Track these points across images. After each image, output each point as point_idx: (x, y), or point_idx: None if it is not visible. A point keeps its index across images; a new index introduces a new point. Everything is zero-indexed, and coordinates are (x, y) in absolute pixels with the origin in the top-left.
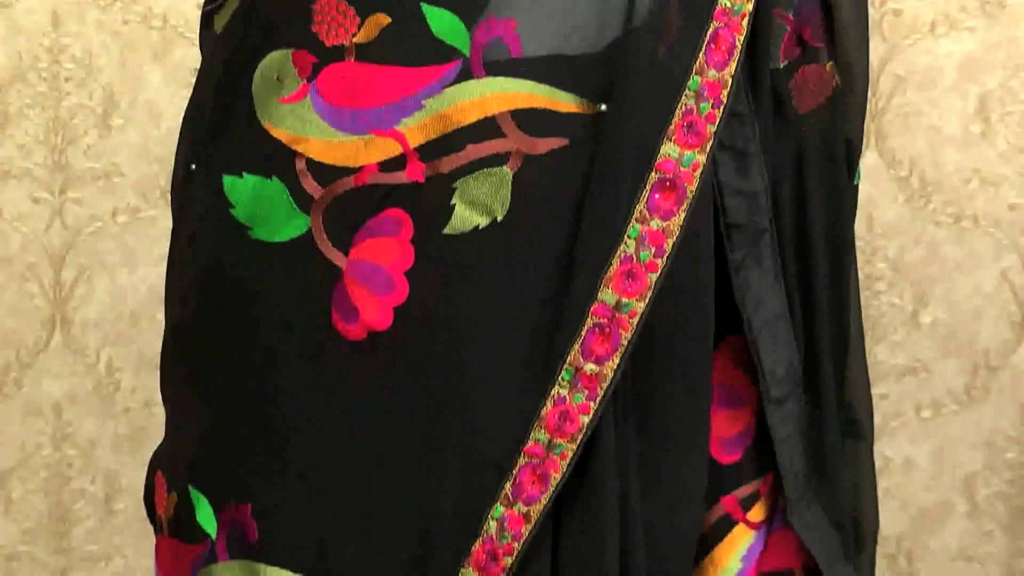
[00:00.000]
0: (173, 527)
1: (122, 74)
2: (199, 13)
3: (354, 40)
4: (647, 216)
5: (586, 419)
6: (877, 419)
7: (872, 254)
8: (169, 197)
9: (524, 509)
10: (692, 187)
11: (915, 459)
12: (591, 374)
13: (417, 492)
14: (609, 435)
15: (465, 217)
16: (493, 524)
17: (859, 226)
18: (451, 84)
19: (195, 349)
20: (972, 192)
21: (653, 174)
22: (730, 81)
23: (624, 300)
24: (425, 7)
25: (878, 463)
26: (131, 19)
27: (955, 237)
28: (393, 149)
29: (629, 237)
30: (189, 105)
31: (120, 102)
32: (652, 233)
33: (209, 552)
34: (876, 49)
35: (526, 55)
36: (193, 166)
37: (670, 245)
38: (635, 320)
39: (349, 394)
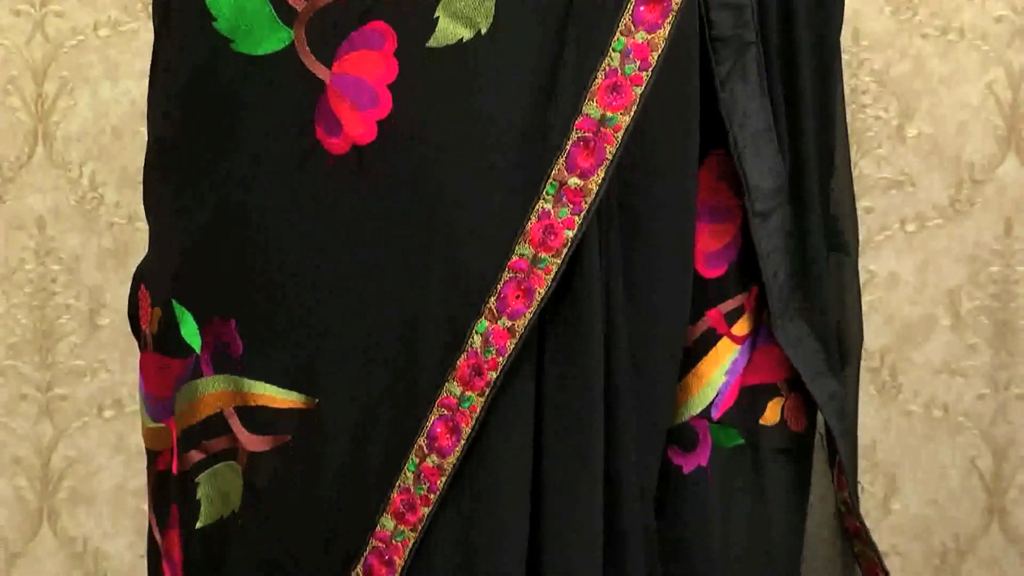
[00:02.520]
0: (157, 342)
1: None
2: None
3: None
4: (632, 28)
5: (570, 233)
6: (862, 233)
7: (858, 67)
8: (151, 10)
9: (508, 324)
10: None
11: (899, 273)
12: (575, 188)
13: (403, 307)
14: (594, 250)
15: (449, 30)
16: (478, 338)
17: (845, 39)
18: None
19: (178, 163)
20: (959, 4)
21: None
22: None
23: (609, 114)
24: None
25: (862, 277)
26: None
27: (941, 50)
28: None
29: (614, 50)
30: None
31: None
32: (637, 46)
33: (194, 366)
34: None
35: None
36: None
37: (655, 58)
38: (620, 134)
39: (333, 208)
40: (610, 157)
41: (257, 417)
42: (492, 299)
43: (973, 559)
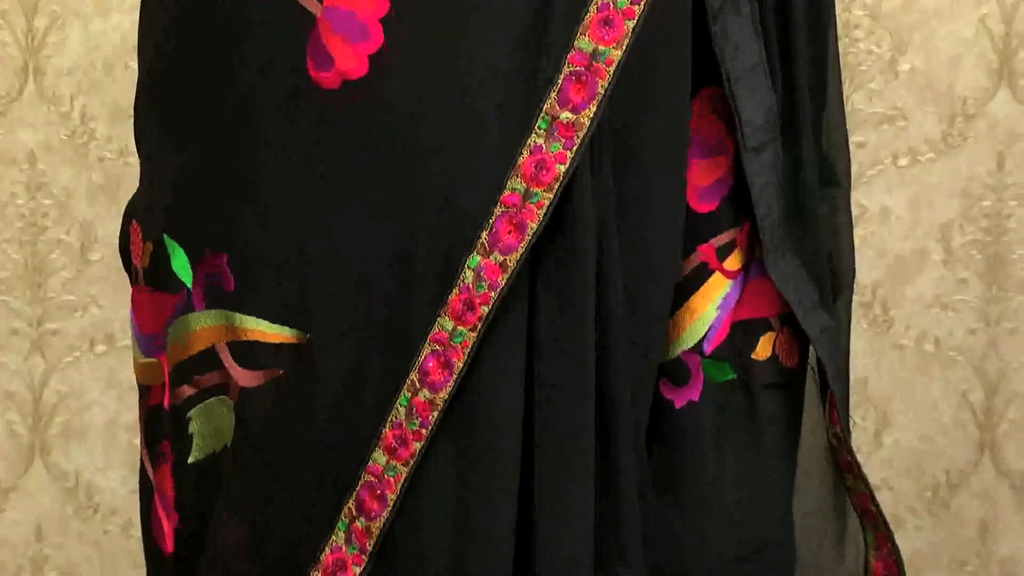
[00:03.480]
0: (149, 276)
1: None
2: None
3: None
4: None
5: (562, 168)
6: (854, 167)
7: (850, 1)
8: None
9: (501, 258)
10: None
11: (892, 207)
12: (567, 123)
13: (395, 242)
14: (586, 184)
15: None
16: (469, 273)
17: None
18: None
19: (169, 96)
20: None
21: None
22: None
23: (601, 48)
24: None
25: (855, 211)
26: None
27: None
28: None
29: None
30: None
31: None
32: None
33: (185, 301)
34: None
35: None
36: None
37: None
38: (612, 68)
39: (325, 142)
40: (602, 91)
41: (249, 352)
42: (484, 234)
43: (965, 492)
